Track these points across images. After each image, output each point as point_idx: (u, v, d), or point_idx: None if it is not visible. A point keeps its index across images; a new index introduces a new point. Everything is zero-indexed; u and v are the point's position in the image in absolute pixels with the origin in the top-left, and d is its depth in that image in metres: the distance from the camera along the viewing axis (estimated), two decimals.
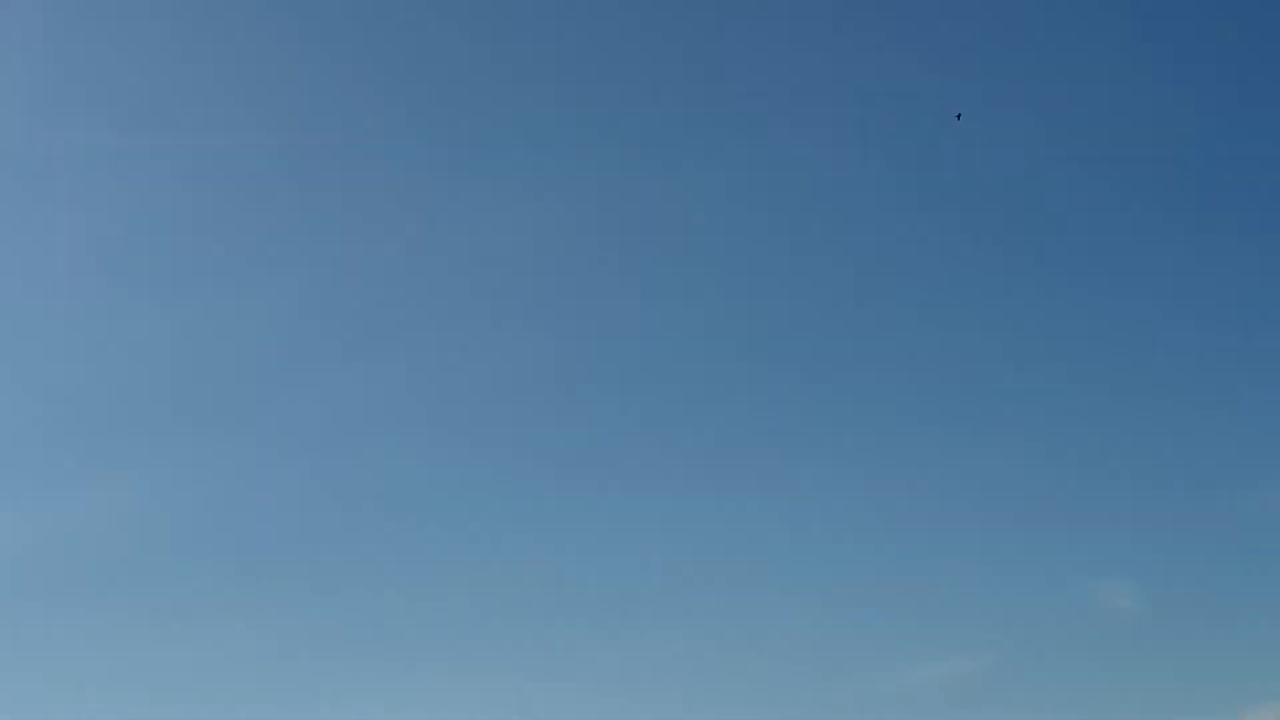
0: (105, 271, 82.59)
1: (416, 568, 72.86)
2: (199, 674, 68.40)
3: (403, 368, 79.87)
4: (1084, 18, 70.97)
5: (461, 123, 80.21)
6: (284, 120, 79.81)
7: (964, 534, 64.95)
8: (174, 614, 71.63)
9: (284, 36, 78.32)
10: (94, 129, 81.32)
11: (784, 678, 61.50)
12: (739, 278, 77.21)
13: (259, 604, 71.44)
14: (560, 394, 77.58)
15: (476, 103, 78.83)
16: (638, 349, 77.83)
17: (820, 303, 74.50)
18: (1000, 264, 71.24)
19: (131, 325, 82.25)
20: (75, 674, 69.18)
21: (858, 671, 60.33)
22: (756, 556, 69.24)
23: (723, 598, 66.97)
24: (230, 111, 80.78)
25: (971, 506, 66.68)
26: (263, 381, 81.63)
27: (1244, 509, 59.90)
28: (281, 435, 77.59)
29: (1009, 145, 73.55)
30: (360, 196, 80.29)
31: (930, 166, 75.18)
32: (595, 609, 70.24)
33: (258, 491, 77.14)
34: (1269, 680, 52.38)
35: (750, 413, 74.26)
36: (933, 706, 59.01)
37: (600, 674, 64.75)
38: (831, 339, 74.61)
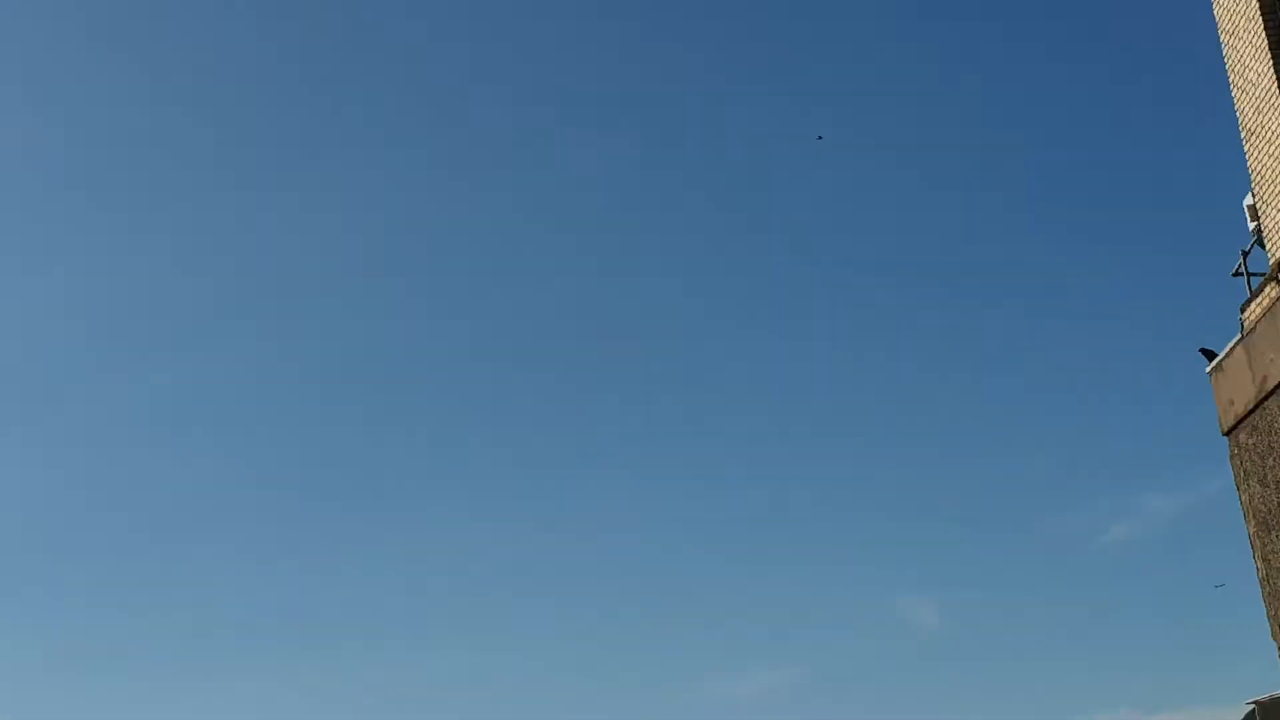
0: None
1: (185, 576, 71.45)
2: None
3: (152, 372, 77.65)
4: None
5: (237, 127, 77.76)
6: (70, 111, 77.11)
7: (773, 549, 66.15)
8: None
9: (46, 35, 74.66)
10: None
11: (593, 690, 62.21)
12: (507, 286, 75.96)
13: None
14: (339, 398, 76.23)
15: (259, 107, 77.00)
16: (410, 354, 77.05)
17: (619, 310, 73.79)
18: (806, 274, 71.04)
19: None
20: None
21: (668, 684, 61.69)
22: (559, 568, 69.50)
23: (528, 610, 67.24)
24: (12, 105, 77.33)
25: (781, 522, 67.77)
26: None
27: (1044, 533, 62.10)
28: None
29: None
30: (134, 195, 77.96)
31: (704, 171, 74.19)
32: (390, 620, 70.06)
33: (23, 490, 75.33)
34: (1064, 694, 54.71)
35: (545, 422, 73.85)
36: (745, 719, 60.83)
37: (387, 693, 64.77)
38: (634, 344, 74.14)
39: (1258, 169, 22.13)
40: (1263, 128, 21.77)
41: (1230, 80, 22.85)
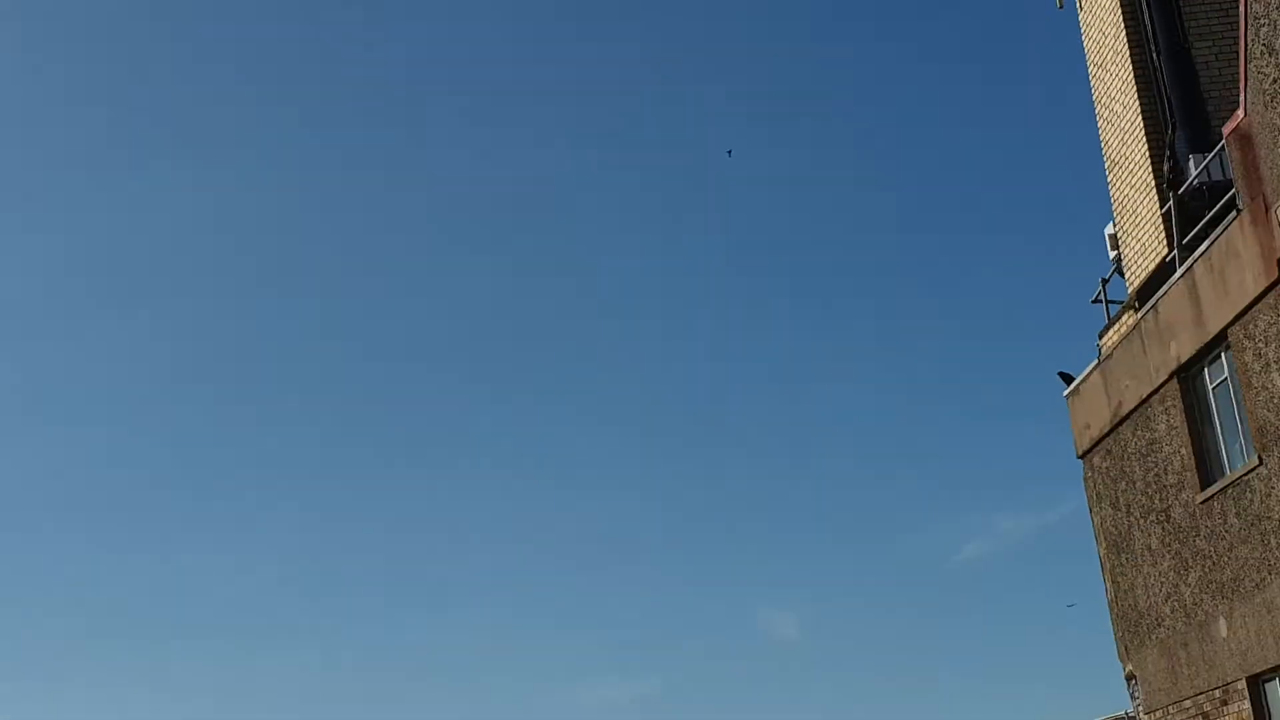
0: None
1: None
2: None
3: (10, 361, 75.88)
4: None
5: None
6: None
7: (630, 558, 66.93)
8: None
9: None
10: None
11: (444, 696, 62.41)
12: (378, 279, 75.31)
13: None
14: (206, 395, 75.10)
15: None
16: (278, 350, 76.31)
17: (498, 310, 73.53)
18: (688, 278, 71.25)
19: None
20: None
21: (523, 691, 62.16)
22: (413, 571, 69.40)
23: (378, 613, 67.05)
24: None
25: (640, 530, 68.50)
26: None
27: (902, 549, 63.81)
28: None
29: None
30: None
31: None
32: (241, 618, 69.43)
33: None
34: (920, 709, 56.43)
35: (413, 422, 73.43)
36: None
37: (229, 693, 64.21)
38: (524, 339, 74.05)
39: (1120, 199, 22.64)
40: (1126, 158, 22.27)
41: (1097, 111, 23.35)
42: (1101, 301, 23.31)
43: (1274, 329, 16.98)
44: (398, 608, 67.19)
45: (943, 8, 69.93)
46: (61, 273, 76.41)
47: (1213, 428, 19.19)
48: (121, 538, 71.54)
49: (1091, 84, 23.50)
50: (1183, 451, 19.64)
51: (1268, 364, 17.19)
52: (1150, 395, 20.49)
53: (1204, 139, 20.79)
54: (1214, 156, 19.74)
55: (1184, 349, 19.33)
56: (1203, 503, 19.11)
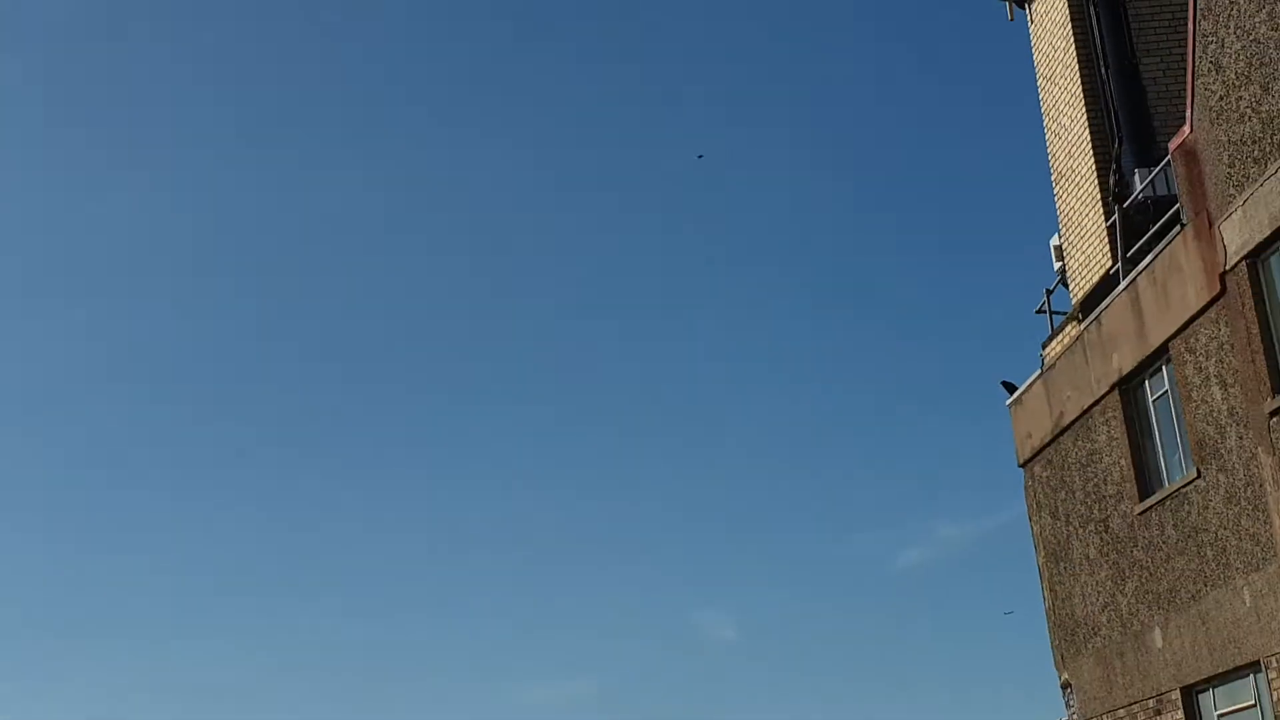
0: None
1: None
2: None
3: None
4: None
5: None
6: None
7: (565, 557, 67.03)
8: None
9: None
10: None
11: (377, 695, 62.30)
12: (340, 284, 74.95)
13: None
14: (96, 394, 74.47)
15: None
16: (175, 349, 75.68)
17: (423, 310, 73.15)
18: (622, 273, 71.24)
19: None
20: None
21: (456, 691, 62.11)
22: (343, 566, 69.13)
23: (310, 610, 66.72)
24: None
25: (575, 530, 68.60)
26: None
27: (842, 554, 64.24)
28: None
29: None
30: None
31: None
32: (162, 615, 68.96)
33: None
34: (860, 713, 56.95)
35: (348, 421, 73.05)
36: None
37: (149, 692, 63.90)
38: (442, 344, 73.74)
39: (1065, 211, 22.85)
40: (1073, 171, 22.48)
41: (1045, 124, 23.56)
42: (1045, 312, 23.51)
43: (1215, 343, 17.18)
44: (332, 609, 66.75)
45: (895, 16, 70.32)
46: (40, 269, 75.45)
47: (1152, 440, 19.40)
48: (42, 536, 70.70)
49: (1040, 96, 23.71)
50: (1122, 463, 19.84)
51: (1208, 378, 17.39)
52: (1092, 406, 20.68)
53: (1149, 154, 21.02)
54: (1159, 171, 19.96)
55: (1126, 361, 19.53)
56: (1141, 514, 19.31)
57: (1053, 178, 23.31)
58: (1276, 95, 15.58)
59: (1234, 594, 17.10)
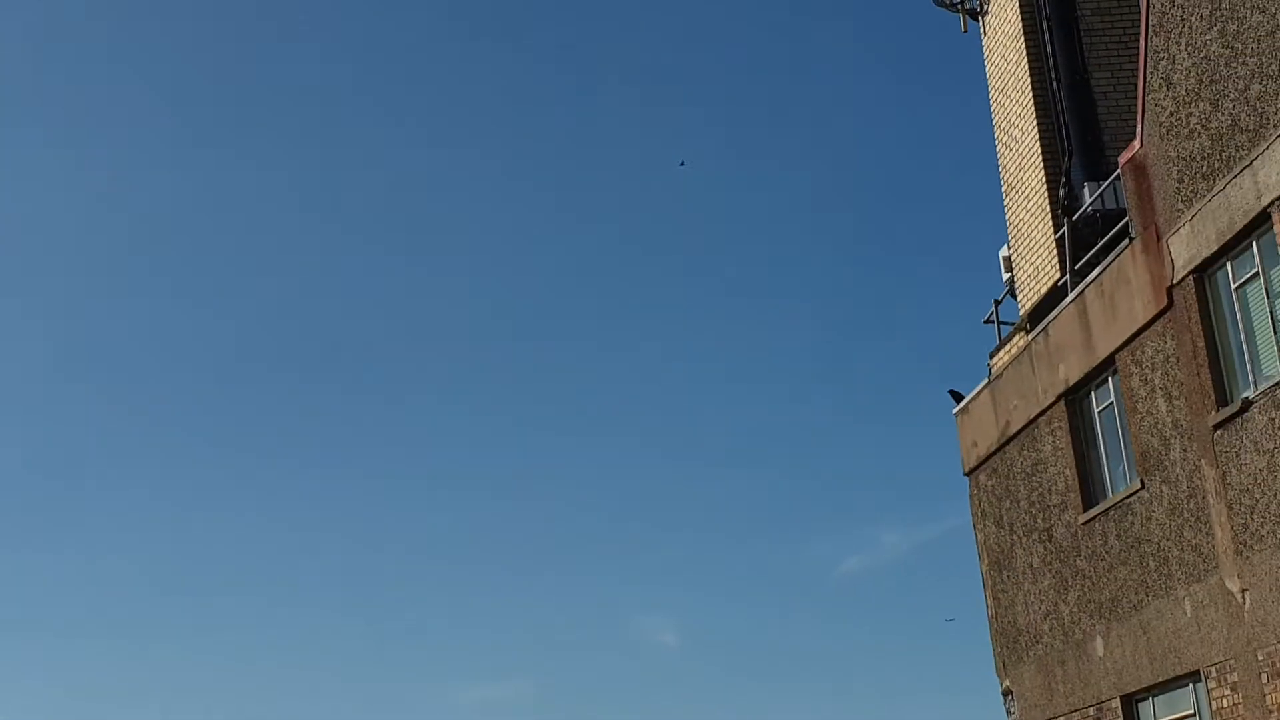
0: None
1: None
2: None
3: None
4: None
5: None
6: None
7: (502, 559, 67.08)
8: None
9: None
10: None
11: (307, 695, 62.12)
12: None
13: None
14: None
15: None
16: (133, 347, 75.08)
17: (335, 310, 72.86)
18: (558, 278, 70.99)
19: None
20: None
21: (403, 691, 62.02)
22: (276, 566, 68.83)
23: (239, 608, 66.42)
24: None
25: (523, 537, 68.65)
26: None
27: (780, 560, 64.66)
28: None
29: None
30: None
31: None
32: (94, 613, 68.44)
33: None
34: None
35: (280, 420, 72.67)
36: None
37: (81, 691, 63.51)
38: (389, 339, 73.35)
39: (1015, 222, 23.05)
40: (1023, 183, 22.67)
41: (997, 136, 23.75)
42: (994, 322, 23.70)
43: (1161, 355, 17.38)
44: (266, 609, 66.29)
45: (850, 25, 70.66)
46: None
47: (1097, 451, 19.60)
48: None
49: (992, 108, 23.91)
50: (1067, 473, 20.02)
51: (1153, 390, 17.58)
52: (1038, 416, 20.87)
53: (1099, 168, 21.24)
54: (1109, 185, 20.16)
55: (1072, 372, 19.72)
56: (1084, 524, 19.50)
57: (1003, 189, 23.51)
58: (1226, 112, 15.79)
59: (1175, 604, 17.30)
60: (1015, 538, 21.92)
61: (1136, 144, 17.74)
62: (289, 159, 72.34)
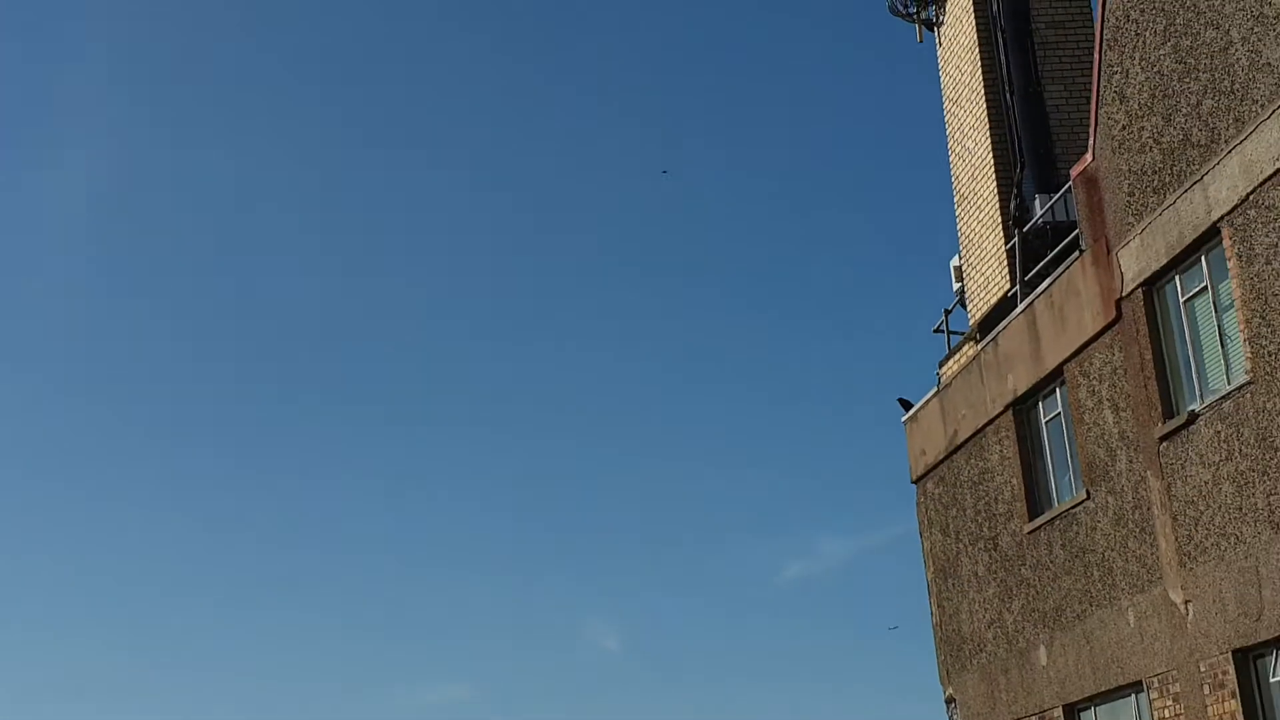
0: None
1: None
2: None
3: None
4: None
5: None
6: None
7: (450, 565, 67.07)
8: None
9: None
10: None
11: (272, 698, 61.88)
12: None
13: None
14: None
15: None
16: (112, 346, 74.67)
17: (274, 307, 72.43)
18: (515, 277, 71.00)
19: None
20: None
21: (341, 693, 61.87)
22: (222, 567, 68.45)
23: (184, 609, 66.05)
24: None
25: (463, 540, 68.70)
26: None
27: (723, 564, 65.02)
28: None
29: None
30: None
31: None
32: (33, 613, 68.07)
33: None
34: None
35: (224, 411, 72.22)
36: None
37: (21, 691, 63.07)
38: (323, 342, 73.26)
39: (966, 232, 23.17)
40: (975, 194, 22.80)
41: (949, 146, 23.88)
42: (943, 331, 23.82)
43: (1109, 367, 17.51)
44: (204, 609, 65.75)
45: (806, 32, 70.91)
46: None
47: (1044, 460, 19.72)
48: None
49: (945, 119, 24.03)
50: (1013, 482, 20.14)
51: (1100, 401, 17.71)
52: (985, 425, 20.98)
53: (1050, 180, 21.38)
54: (1060, 197, 20.30)
55: (1020, 382, 19.84)
56: (1030, 533, 19.62)
57: (955, 199, 23.63)
58: (1178, 127, 15.93)
59: (1119, 614, 17.42)
60: (961, 546, 22.03)
61: (1088, 157, 17.87)
62: (274, 162, 71.93)
